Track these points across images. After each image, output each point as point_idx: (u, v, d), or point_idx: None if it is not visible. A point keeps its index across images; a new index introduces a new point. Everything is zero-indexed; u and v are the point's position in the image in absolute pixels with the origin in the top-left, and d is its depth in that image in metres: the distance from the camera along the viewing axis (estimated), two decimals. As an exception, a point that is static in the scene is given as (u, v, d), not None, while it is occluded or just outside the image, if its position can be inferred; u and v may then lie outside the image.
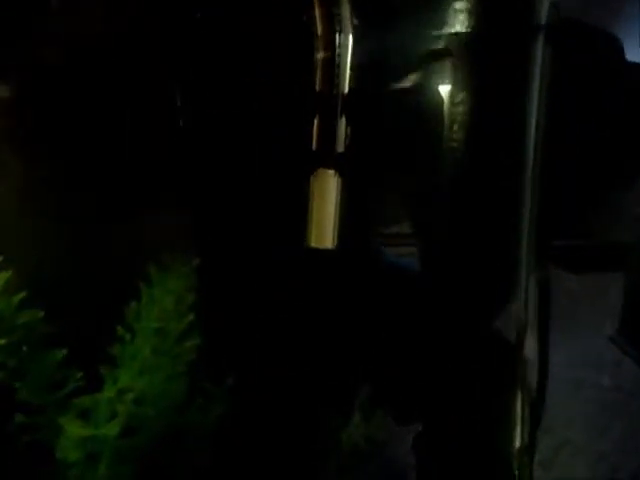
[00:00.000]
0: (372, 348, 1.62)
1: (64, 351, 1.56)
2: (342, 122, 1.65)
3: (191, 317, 1.60)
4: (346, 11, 1.64)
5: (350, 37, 1.68)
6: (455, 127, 1.45)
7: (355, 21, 1.64)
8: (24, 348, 1.57)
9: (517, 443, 1.59)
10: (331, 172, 1.64)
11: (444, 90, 1.52)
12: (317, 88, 1.65)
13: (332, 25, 1.63)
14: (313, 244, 1.60)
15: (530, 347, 1.49)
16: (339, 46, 1.66)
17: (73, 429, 1.55)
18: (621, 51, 1.62)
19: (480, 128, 1.45)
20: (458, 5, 1.52)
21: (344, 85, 1.66)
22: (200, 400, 1.57)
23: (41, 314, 1.59)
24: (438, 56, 1.54)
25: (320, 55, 1.67)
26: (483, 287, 1.48)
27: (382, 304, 1.64)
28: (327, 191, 1.63)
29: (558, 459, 1.80)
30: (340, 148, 1.65)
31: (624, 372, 2.60)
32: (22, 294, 1.60)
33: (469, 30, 1.48)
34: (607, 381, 2.50)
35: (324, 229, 1.61)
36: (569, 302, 2.45)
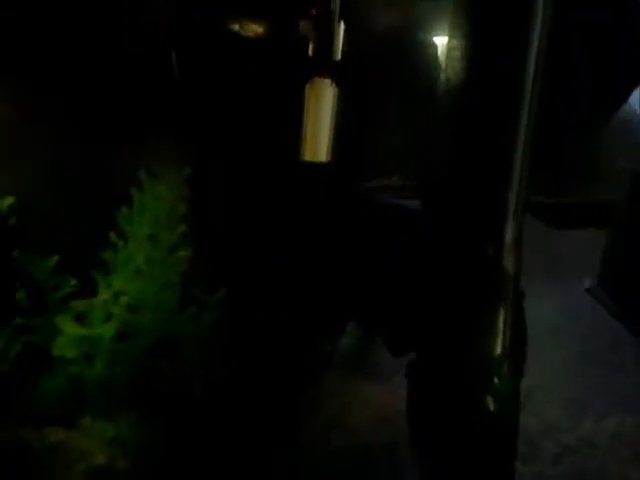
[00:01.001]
0: (364, 279, 1.65)
1: (56, 257, 1.58)
2: (340, 28, 1.58)
3: (183, 228, 1.61)
4: None
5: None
6: (450, 70, 1.39)
7: None
8: (16, 252, 1.60)
9: (498, 350, 1.68)
10: (327, 81, 1.58)
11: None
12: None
13: None
14: (307, 158, 1.58)
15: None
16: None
17: (69, 328, 1.60)
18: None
19: (477, 70, 1.39)
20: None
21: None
22: (193, 309, 1.61)
23: (32, 218, 1.61)
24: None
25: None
26: (472, 220, 1.49)
27: (377, 238, 1.65)
28: (323, 101, 1.58)
29: (530, 400, 1.89)
30: (337, 56, 1.58)
31: (598, 322, 2.70)
32: (11, 199, 1.60)
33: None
34: (582, 330, 2.60)
35: (319, 142, 1.58)
36: (552, 255, 2.49)
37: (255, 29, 1.61)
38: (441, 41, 1.67)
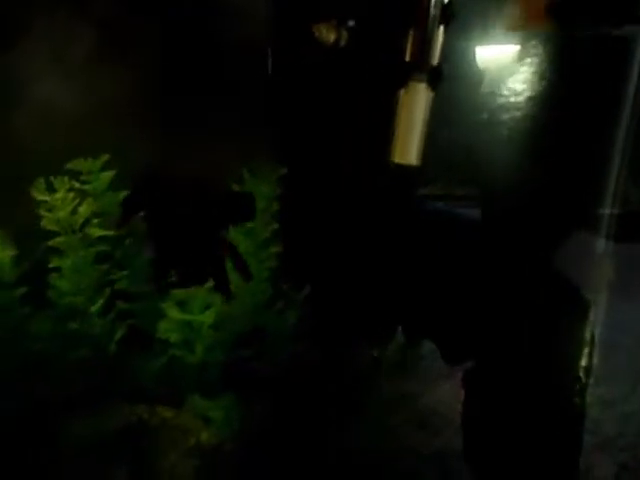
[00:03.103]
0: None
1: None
2: (440, 32, 1.57)
3: (275, 225, 1.68)
4: None
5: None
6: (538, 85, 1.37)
7: None
8: (127, 241, 1.72)
9: (584, 362, 1.66)
10: (423, 85, 1.59)
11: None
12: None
13: None
14: (397, 160, 1.59)
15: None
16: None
17: (174, 314, 1.71)
18: None
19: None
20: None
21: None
22: (280, 304, 1.69)
23: (141, 212, 1.73)
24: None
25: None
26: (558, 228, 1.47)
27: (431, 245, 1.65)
28: (417, 105, 1.59)
29: (589, 415, 1.84)
30: (435, 60, 1.58)
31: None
32: (125, 192, 1.72)
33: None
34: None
35: (409, 145, 1.59)
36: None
37: (352, 31, 1.64)
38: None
